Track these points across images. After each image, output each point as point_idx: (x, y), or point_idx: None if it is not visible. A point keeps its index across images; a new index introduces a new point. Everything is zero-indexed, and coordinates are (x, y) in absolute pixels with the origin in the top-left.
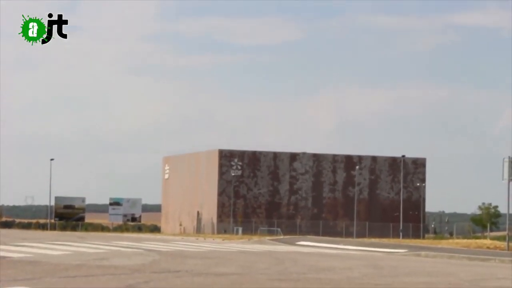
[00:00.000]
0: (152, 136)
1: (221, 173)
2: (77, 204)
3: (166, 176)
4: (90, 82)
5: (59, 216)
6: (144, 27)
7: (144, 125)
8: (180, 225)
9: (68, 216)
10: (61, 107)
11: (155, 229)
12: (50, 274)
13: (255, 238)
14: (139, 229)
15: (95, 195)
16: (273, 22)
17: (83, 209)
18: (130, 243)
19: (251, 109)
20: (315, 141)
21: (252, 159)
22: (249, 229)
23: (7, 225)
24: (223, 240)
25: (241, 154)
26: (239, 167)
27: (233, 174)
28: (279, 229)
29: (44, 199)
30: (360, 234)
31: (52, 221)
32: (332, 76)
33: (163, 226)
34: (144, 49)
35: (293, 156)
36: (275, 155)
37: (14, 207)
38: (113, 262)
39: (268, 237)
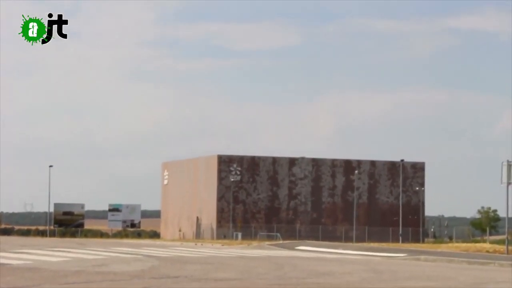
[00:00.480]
0: (151, 142)
1: (220, 179)
2: (76, 211)
3: (165, 182)
4: (89, 88)
5: (58, 222)
6: (143, 33)
7: (143, 130)
8: (180, 230)
9: (67, 223)
10: (60, 113)
11: (155, 235)
12: (50, 281)
13: (255, 243)
14: (139, 235)
15: (94, 202)
16: (272, 26)
17: (82, 216)
18: (129, 249)
19: (250, 114)
20: (314, 146)
21: (251, 164)
22: (249, 234)
23: (6, 232)
24: (222, 245)
25: (240, 159)
26: (238, 173)
27: (232, 180)
28: (278, 234)
29: (43, 206)
30: (360, 239)
31: (52, 227)
32: (331, 81)
33: (162, 232)
34: (143, 55)
35: (292, 161)
36: (274, 160)
37: (13, 214)
38: (112, 268)
39: (267, 242)
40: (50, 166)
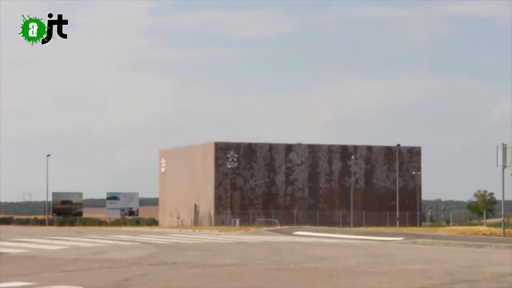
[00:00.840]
0: (149, 131)
1: (217, 166)
2: (74, 200)
3: (163, 169)
4: (86, 79)
5: (57, 211)
6: (139, 22)
7: (141, 119)
8: (178, 218)
9: (65, 212)
10: (57, 104)
11: (153, 222)
12: (48, 269)
13: (252, 229)
14: (137, 222)
15: (92, 190)
16: (268, 14)
17: (80, 204)
18: (128, 237)
19: (248, 102)
20: (311, 132)
21: (248, 151)
22: (247, 220)
23: (5, 221)
24: (220, 231)
25: (237, 146)
26: (235, 159)
27: (229, 167)
28: (276, 220)
29: (41, 195)
30: (357, 224)
31: (50, 216)
32: (328, 68)
33: (160, 219)
34: (140, 44)
35: (289, 147)
36: (271, 147)
37: (12, 203)
38: (110, 256)
39: (265, 228)
40: (48, 155)
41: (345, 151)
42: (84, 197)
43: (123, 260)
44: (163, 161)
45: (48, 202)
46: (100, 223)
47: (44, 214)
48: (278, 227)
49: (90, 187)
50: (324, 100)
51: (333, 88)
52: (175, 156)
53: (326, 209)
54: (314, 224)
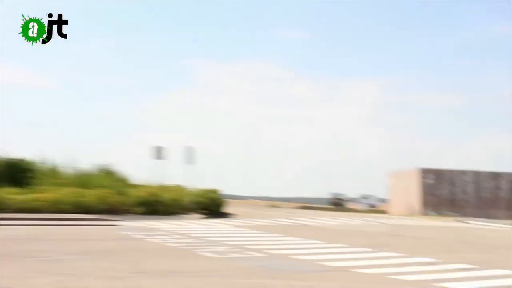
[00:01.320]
0: (380, 161)
1: (422, 182)
2: (343, 197)
3: (391, 183)
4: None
5: (333, 204)
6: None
7: (380, 155)
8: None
9: (339, 204)
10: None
11: (386, 213)
12: (330, 233)
13: (443, 218)
14: (378, 212)
15: (352, 193)
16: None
17: (345, 200)
18: (373, 220)
19: (437, 148)
20: (475, 165)
21: (438, 173)
22: (439, 214)
23: (306, 208)
24: (427, 219)
25: (432, 171)
26: (432, 178)
27: (428, 182)
28: (457, 214)
29: (325, 194)
30: (506, 218)
31: (331, 207)
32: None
33: (390, 211)
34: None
35: (463, 172)
36: (451, 171)
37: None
38: (365, 230)
39: (450, 218)
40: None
41: (495, 176)
42: (349, 196)
43: (372, 232)
44: (391, 178)
45: (328, 199)
46: (355, 211)
47: (327, 205)
48: (458, 218)
49: (351, 191)
50: (482, 150)
51: (491, 144)
52: (398, 175)
53: (486, 209)
54: (479, 217)
